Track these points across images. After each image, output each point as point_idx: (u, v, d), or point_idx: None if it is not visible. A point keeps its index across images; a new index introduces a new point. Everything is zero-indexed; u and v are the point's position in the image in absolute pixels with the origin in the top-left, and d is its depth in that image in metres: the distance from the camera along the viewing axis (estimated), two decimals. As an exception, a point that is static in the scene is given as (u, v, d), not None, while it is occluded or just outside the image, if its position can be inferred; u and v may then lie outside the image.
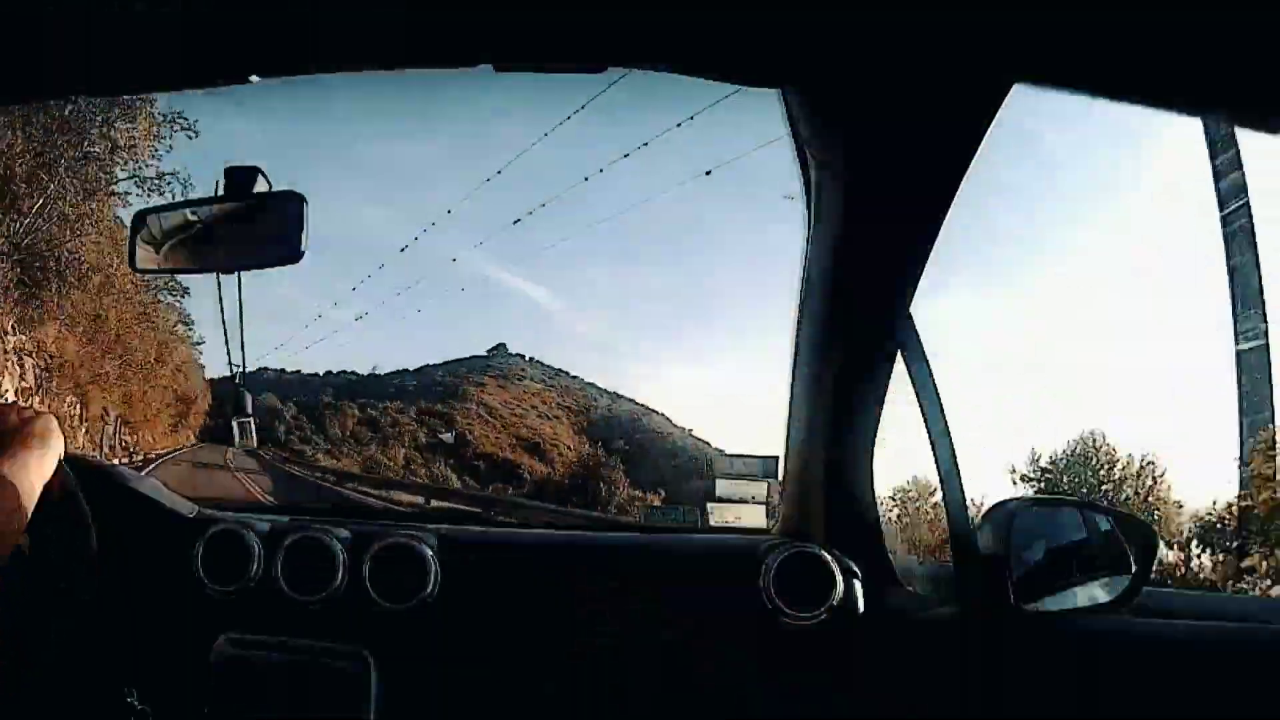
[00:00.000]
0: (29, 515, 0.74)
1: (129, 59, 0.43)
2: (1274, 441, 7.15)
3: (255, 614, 1.08)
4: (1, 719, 0.82)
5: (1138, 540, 1.10)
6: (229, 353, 1.07)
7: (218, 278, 1.08)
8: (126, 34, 0.37)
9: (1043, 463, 13.14)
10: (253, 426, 1.07)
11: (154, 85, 0.54)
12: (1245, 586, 6.40)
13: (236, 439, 1.08)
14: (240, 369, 1.06)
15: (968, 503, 0.99)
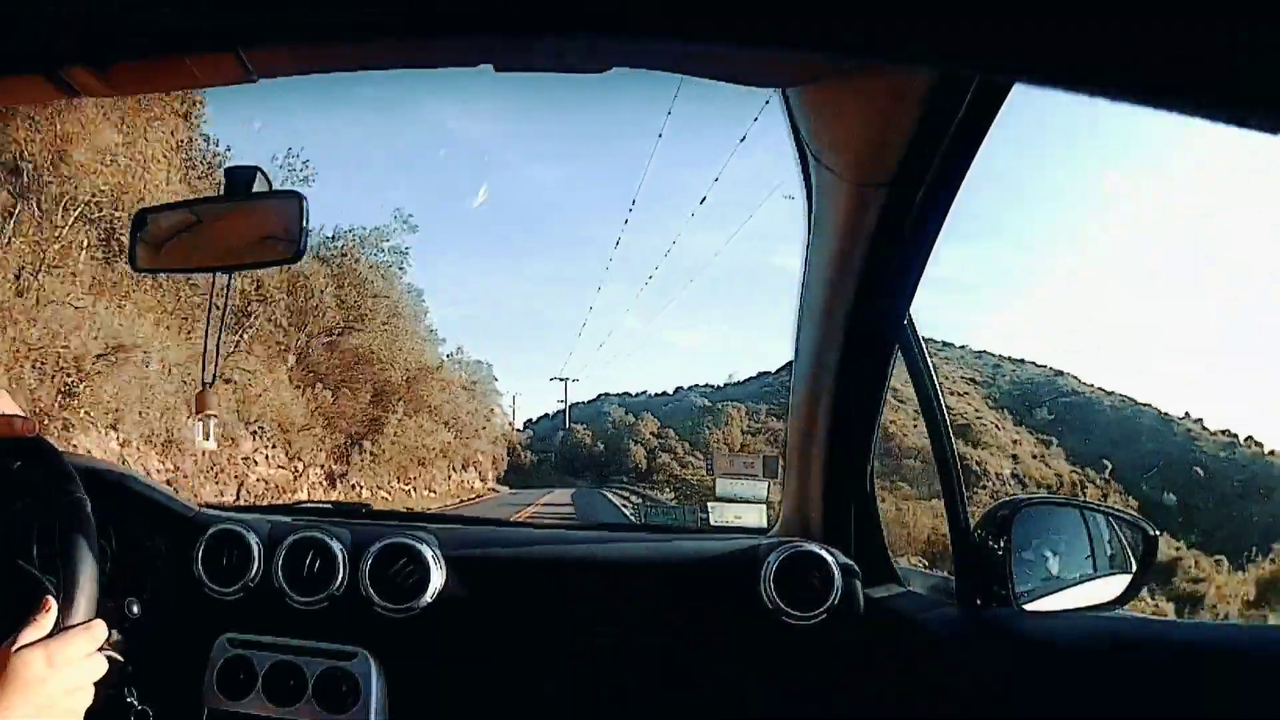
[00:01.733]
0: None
1: (129, 55, 0.43)
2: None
3: (255, 614, 1.08)
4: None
5: (1137, 540, 1.10)
6: (204, 352, 1.04)
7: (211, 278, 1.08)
8: (125, 33, 0.37)
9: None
10: (212, 425, 1.05)
11: (157, 86, 0.53)
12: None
13: (198, 439, 1.06)
14: (215, 370, 1.04)
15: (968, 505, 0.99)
